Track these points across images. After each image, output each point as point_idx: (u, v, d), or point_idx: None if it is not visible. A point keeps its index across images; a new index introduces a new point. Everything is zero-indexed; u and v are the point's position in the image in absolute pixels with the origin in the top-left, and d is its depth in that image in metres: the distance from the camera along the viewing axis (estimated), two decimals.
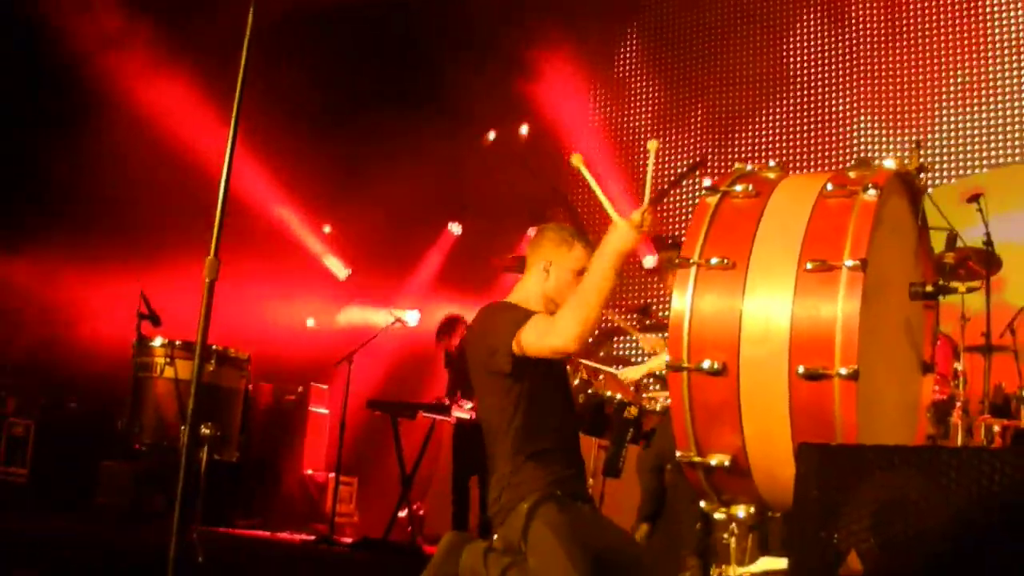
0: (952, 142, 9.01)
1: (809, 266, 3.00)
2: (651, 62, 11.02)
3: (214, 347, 6.11)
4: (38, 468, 8.51)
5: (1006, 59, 8.88)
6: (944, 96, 9.11)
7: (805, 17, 10.01)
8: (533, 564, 3.55)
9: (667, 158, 10.72)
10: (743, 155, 10.03)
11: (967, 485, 2.47)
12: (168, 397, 6.02)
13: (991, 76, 8.93)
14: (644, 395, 6.49)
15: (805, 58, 9.95)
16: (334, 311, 11.62)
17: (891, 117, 9.34)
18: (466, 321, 8.63)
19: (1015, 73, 8.83)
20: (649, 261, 10.14)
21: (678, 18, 10.97)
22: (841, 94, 9.68)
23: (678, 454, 3.18)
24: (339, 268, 11.59)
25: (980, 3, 9.08)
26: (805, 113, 9.86)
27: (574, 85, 11.22)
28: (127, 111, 9.59)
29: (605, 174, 10.66)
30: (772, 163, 3.49)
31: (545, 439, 3.78)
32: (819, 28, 9.90)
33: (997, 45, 8.94)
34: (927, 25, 9.31)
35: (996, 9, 8.99)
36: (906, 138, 9.12)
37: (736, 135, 10.27)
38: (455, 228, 11.22)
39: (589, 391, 5.63)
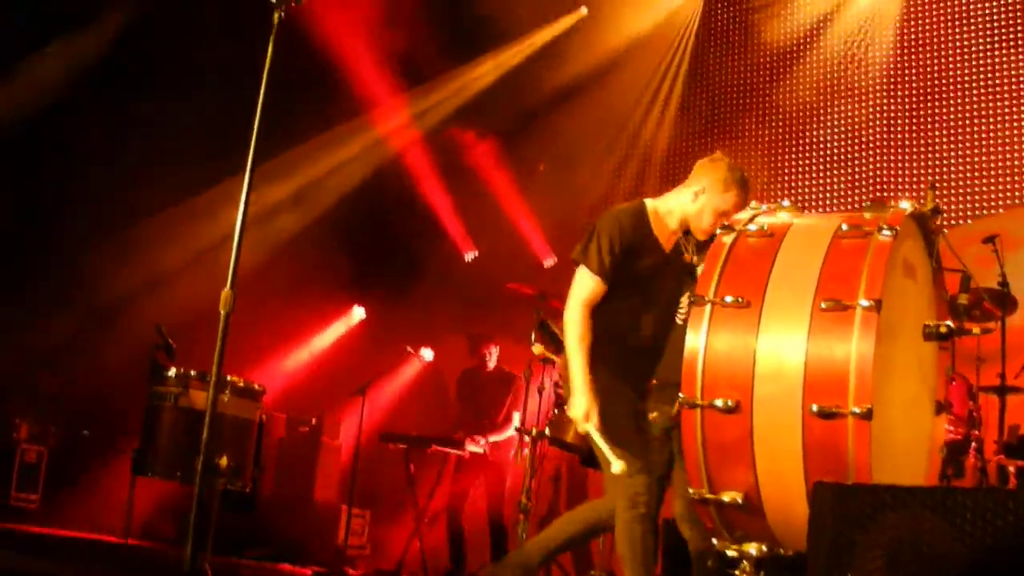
0: (967, 182, 8.99)
1: (824, 306, 3.01)
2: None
3: (229, 378, 6.11)
4: (50, 494, 8.53)
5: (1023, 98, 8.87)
6: (960, 136, 9.11)
7: (820, 56, 10.04)
8: None
9: None
10: (758, 194, 9.97)
11: (981, 526, 2.47)
12: (182, 427, 6.02)
13: (1007, 116, 8.92)
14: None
15: (821, 98, 9.97)
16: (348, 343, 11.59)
17: (906, 157, 9.34)
18: (493, 340, 8.55)
19: None
20: None
21: (698, 59, 11.01)
22: (857, 134, 9.68)
23: (690, 491, 3.18)
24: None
25: (997, 42, 9.08)
26: (820, 153, 9.86)
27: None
28: None
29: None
30: (786, 203, 3.52)
31: None
32: (835, 67, 9.92)
33: (1014, 84, 8.94)
34: (943, 64, 9.32)
35: (1013, 48, 9.00)
36: (921, 179, 9.11)
37: (751, 174, 10.23)
38: (468, 255, 11.21)
39: None
